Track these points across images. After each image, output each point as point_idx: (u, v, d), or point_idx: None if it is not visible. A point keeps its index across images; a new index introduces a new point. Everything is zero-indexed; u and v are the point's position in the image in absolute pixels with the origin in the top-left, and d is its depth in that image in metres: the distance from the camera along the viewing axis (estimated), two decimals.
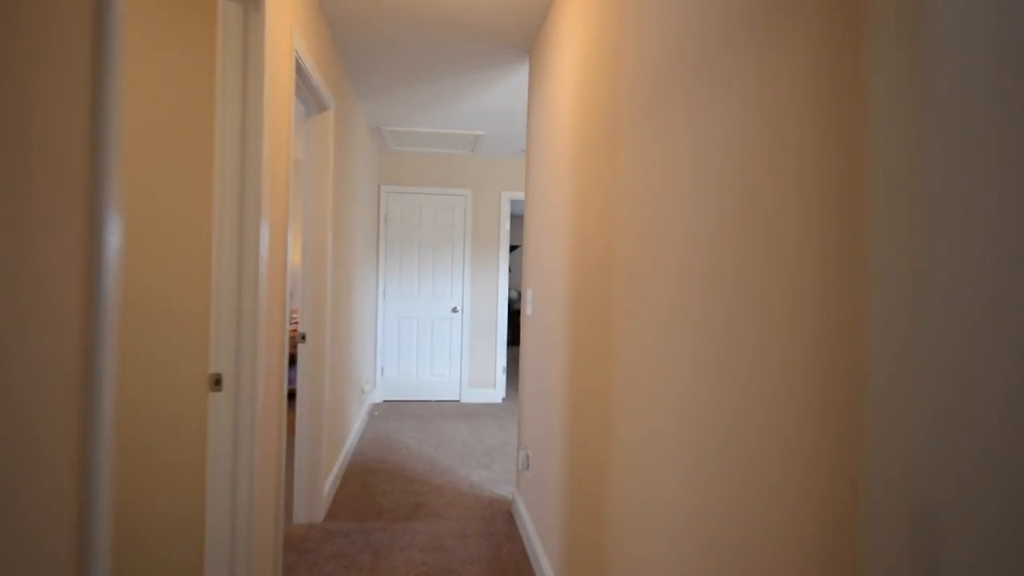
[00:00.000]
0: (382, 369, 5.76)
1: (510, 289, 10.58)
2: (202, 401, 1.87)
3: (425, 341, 5.80)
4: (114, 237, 0.95)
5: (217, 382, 1.73)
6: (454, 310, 5.81)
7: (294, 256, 5.45)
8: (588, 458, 1.82)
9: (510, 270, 10.58)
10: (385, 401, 5.75)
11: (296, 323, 4.75)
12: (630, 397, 1.49)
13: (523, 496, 2.90)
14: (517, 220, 11.30)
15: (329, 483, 3.16)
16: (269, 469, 1.98)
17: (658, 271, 1.35)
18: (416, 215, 5.77)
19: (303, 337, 2.89)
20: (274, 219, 1.96)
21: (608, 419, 1.65)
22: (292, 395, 4.61)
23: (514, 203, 8.44)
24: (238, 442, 1.76)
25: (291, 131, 2.13)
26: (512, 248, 10.82)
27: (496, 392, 5.89)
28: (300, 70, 2.37)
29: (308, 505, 2.90)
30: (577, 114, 2.07)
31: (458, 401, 5.85)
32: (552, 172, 2.45)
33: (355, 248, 4.21)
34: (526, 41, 3.03)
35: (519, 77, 3.58)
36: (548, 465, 2.37)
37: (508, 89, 3.78)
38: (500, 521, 3.03)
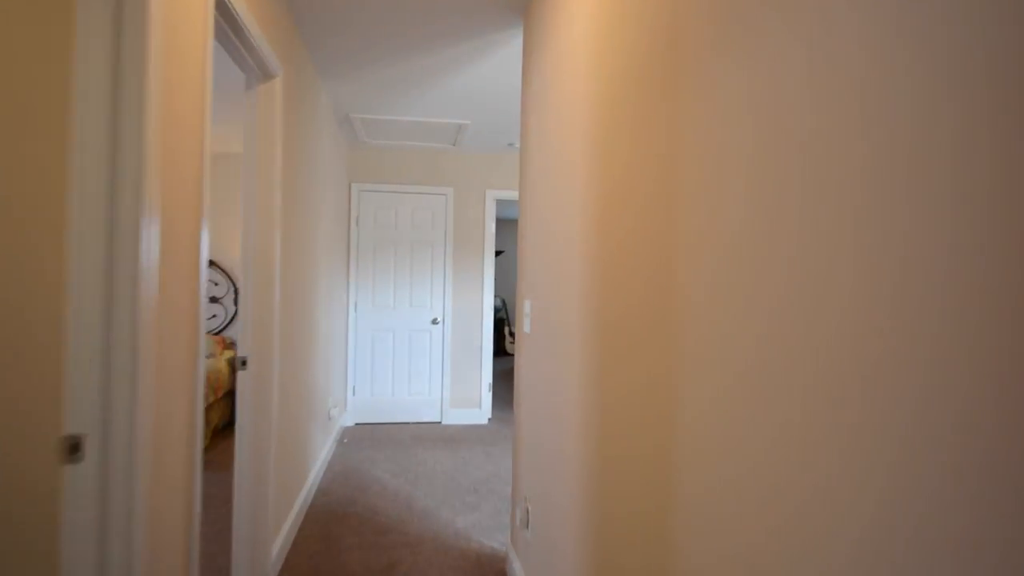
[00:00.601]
0: (354, 389, 5.15)
1: (495, 297, 10.04)
2: (51, 478, 1.28)
3: (402, 357, 5.21)
4: None
5: (75, 448, 1.15)
6: (434, 321, 5.24)
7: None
8: (628, 527, 1.27)
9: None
10: (358, 425, 5.14)
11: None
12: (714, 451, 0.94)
13: (522, 558, 2.33)
14: (502, 224, 10.77)
15: (280, 541, 2.56)
16: (166, 564, 1.39)
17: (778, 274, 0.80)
18: (392, 216, 5.19)
19: (243, 363, 2.31)
20: (174, 215, 1.38)
21: (668, 475, 1.10)
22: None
23: (500, 203, 7.89)
24: (107, 536, 1.17)
25: (207, 96, 1.55)
26: (496, 254, 10.27)
27: (481, 412, 5.31)
28: (230, 19, 1.80)
29: (249, 575, 2.30)
30: (604, 54, 1.52)
31: (439, 423, 5.26)
32: (561, 148, 1.90)
33: (319, 254, 3.62)
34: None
35: (509, 51, 3.04)
36: (559, 531, 1.81)
37: (496, 66, 3.24)
38: None
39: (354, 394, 5.15)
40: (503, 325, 10.35)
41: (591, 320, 1.54)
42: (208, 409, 4.28)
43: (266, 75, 2.32)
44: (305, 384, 3.22)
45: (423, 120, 4.24)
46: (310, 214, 3.27)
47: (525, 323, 2.34)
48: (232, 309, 5.44)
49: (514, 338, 10.61)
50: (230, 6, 1.74)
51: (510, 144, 4.91)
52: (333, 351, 4.38)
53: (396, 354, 5.20)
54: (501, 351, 10.38)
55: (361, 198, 5.15)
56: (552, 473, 1.89)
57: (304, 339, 3.14)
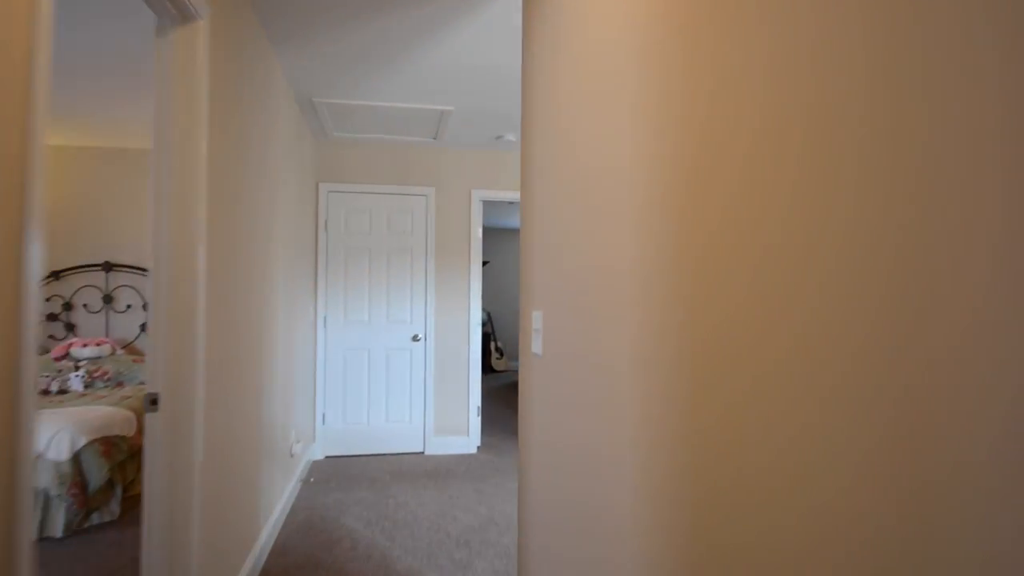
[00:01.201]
0: (323, 417, 4.51)
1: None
2: None
3: (379, 379, 4.59)
4: None
5: None
6: (415, 338, 4.63)
7: None
8: None
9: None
10: (328, 458, 4.50)
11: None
12: None
13: None
14: (488, 232, 10.21)
15: None
16: None
17: None
18: (365, 220, 4.59)
19: (152, 402, 1.69)
20: None
21: None
22: None
23: (488, 205, 7.29)
24: None
25: (41, 50, 0.96)
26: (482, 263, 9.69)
27: (469, 440, 4.70)
28: None
29: None
30: None
31: (422, 453, 4.63)
32: (595, 107, 1.33)
33: (274, 264, 3.01)
34: None
35: (493, 12, 2.49)
36: None
37: (481, 34, 2.68)
38: None
39: (324, 423, 4.51)
40: (489, 340, 9.75)
41: (669, 344, 0.96)
42: (121, 466, 3.55)
43: (183, 15, 1.73)
44: (256, 421, 2.60)
45: (399, 106, 3.67)
46: (259, 215, 2.67)
47: (534, 342, 1.76)
48: None
49: (502, 354, 10.02)
50: None
51: (498, 137, 4.36)
52: (298, 374, 3.75)
53: (372, 376, 4.58)
54: (488, 368, 9.77)
55: (330, 199, 4.55)
56: (591, 558, 1.30)
57: (252, 366, 2.52)
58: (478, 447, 4.80)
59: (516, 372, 9.65)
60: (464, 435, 4.70)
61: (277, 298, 3.06)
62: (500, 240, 10.29)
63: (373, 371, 4.58)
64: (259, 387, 2.67)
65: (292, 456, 3.56)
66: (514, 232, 10.32)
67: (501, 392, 7.65)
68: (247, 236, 2.41)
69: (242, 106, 2.30)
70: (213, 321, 1.95)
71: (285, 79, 3.25)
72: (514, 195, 4.79)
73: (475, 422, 4.71)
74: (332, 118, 3.93)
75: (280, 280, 3.16)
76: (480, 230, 4.78)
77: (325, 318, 4.51)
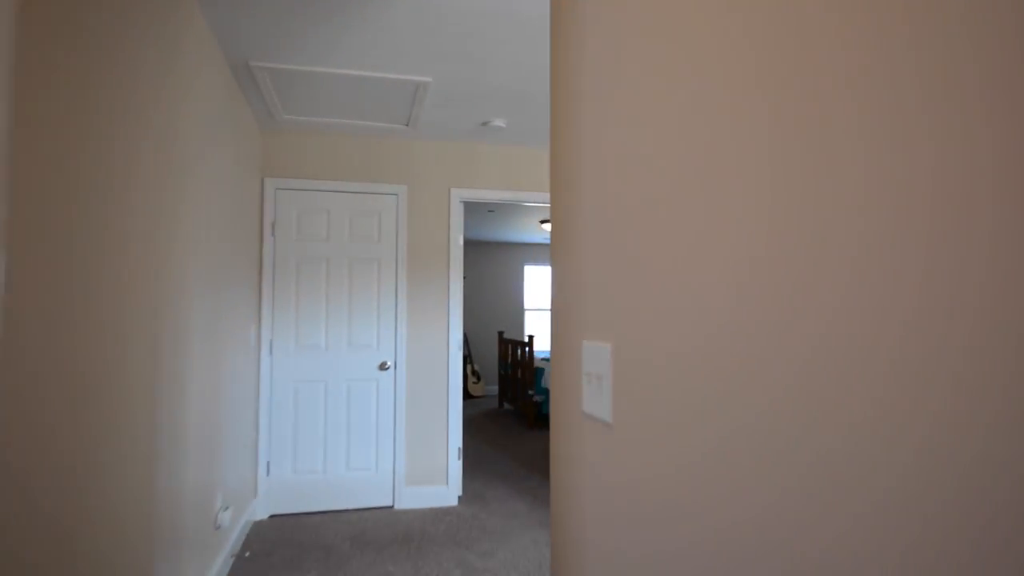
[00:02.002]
0: (267, 466, 3.65)
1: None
2: None
3: (338, 417, 3.75)
4: None
5: None
6: (383, 367, 3.81)
7: None
8: None
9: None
10: (273, 518, 3.63)
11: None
12: None
13: None
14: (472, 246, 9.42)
15: None
16: None
17: None
18: (322, 223, 3.79)
19: None
20: None
21: None
22: None
23: (471, 207, 6.48)
24: None
25: None
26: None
27: (448, 491, 3.88)
28: None
29: None
30: None
31: (391, 508, 3.80)
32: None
33: (183, 279, 2.20)
34: None
35: None
36: None
37: None
38: None
39: (268, 474, 3.64)
40: (465, 363, 8.94)
41: None
42: None
43: None
44: (149, 497, 1.76)
45: (362, 75, 2.90)
46: (160, 217, 1.86)
47: (586, 395, 0.99)
48: None
49: (479, 378, 9.21)
50: None
51: (484, 124, 3.62)
52: (231, 418, 2.91)
53: (329, 414, 3.74)
54: (464, 394, 8.94)
55: (279, 198, 3.73)
56: None
57: (138, 425, 1.69)
58: (459, 497, 3.98)
59: (495, 398, 8.85)
60: (442, 484, 3.88)
61: (189, 325, 2.24)
62: (475, 253, 9.53)
63: (331, 408, 3.74)
64: (153, 452, 1.84)
65: (218, 529, 2.70)
66: (491, 245, 9.57)
67: (481, 422, 6.83)
68: (119, 245, 1.60)
69: (113, 64, 1.51)
70: (35, 374, 1.14)
71: (212, 36, 2.46)
72: (500, 195, 4.04)
73: (455, 467, 3.90)
74: (278, 93, 3.14)
75: (198, 300, 2.34)
76: (461, 236, 4.01)
77: (271, 343, 3.67)
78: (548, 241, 9.36)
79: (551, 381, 1.21)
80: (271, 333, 3.67)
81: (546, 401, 6.61)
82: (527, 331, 9.70)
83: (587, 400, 0.99)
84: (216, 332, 2.64)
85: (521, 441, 5.85)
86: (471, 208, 6.60)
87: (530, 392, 6.53)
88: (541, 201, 4.11)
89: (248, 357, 3.40)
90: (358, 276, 3.82)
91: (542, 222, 7.33)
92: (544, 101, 3.27)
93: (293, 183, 3.74)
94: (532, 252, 9.72)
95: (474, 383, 8.90)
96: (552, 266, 1.21)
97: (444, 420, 3.91)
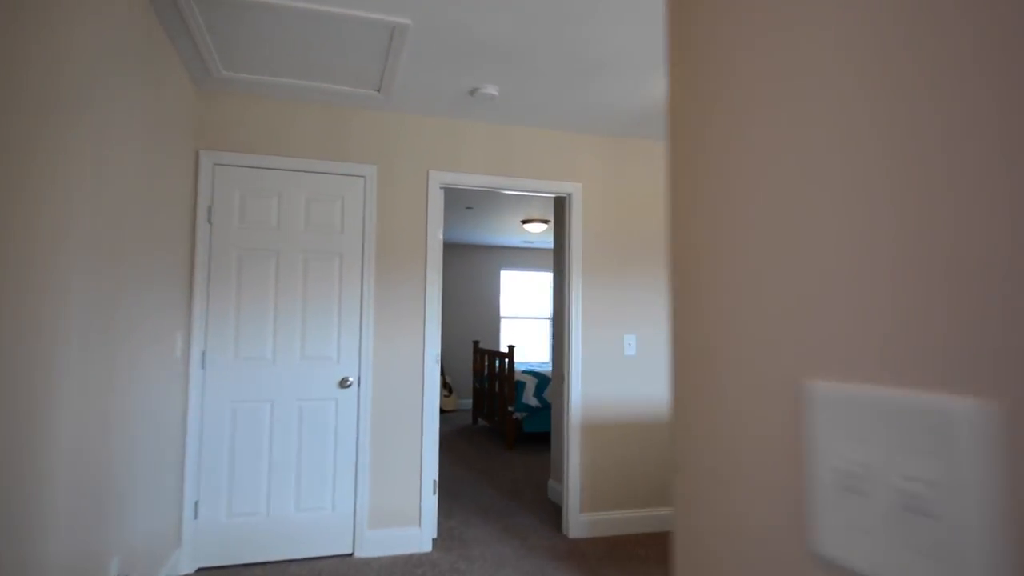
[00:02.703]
0: (196, 507, 2.94)
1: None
2: None
3: (287, 445, 3.06)
4: None
5: None
6: (344, 383, 3.14)
7: None
8: None
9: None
10: (202, 571, 2.91)
11: None
12: None
13: None
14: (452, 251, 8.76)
15: None
16: None
17: None
18: (271, 209, 3.12)
19: None
20: None
21: None
22: None
23: (450, 198, 5.76)
24: None
25: None
26: None
27: (421, 533, 3.22)
28: None
29: None
30: None
31: (350, 556, 3.12)
32: None
33: (59, 275, 1.52)
34: None
35: None
36: None
37: None
38: None
39: (196, 516, 2.93)
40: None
41: None
42: None
43: None
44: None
45: (324, 9, 2.25)
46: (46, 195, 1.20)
47: (824, 517, 0.39)
48: None
49: (450, 391, 8.53)
50: None
51: (473, 91, 3.01)
52: (141, 451, 2.21)
53: (277, 441, 3.05)
54: None
55: (218, 176, 3.05)
56: None
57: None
58: (434, 541, 3.33)
59: (468, 413, 8.18)
60: (413, 525, 3.22)
61: (56, 338, 1.56)
62: (448, 256, 8.88)
63: (278, 434, 3.05)
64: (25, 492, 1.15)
65: None
66: (466, 247, 8.94)
67: (454, 441, 6.16)
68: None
69: None
70: None
71: None
72: (488, 180, 3.43)
73: (430, 504, 3.24)
74: (214, 36, 2.47)
75: (79, 306, 1.66)
76: (441, 229, 3.38)
77: (203, 355, 2.97)
78: (528, 244, 8.78)
79: (679, 458, 0.59)
80: (204, 342, 2.97)
81: (528, 419, 5.99)
82: (503, 340, 9.08)
83: (832, 532, 0.37)
84: (114, 344, 1.95)
85: (501, 464, 5.21)
86: (447, 202, 5.97)
87: (510, 409, 5.90)
88: (534, 190, 3.51)
89: (172, 372, 2.70)
90: (315, 274, 3.15)
91: (524, 222, 6.73)
92: (548, 62, 2.68)
93: (236, 158, 3.06)
94: (510, 256, 9.12)
95: (445, 396, 8.22)
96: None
97: (417, 448, 3.25)
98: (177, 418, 2.81)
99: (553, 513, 3.87)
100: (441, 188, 3.39)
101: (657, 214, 3.72)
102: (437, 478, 3.31)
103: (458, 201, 5.87)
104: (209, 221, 3.01)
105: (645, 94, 3.02)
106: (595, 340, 3.54)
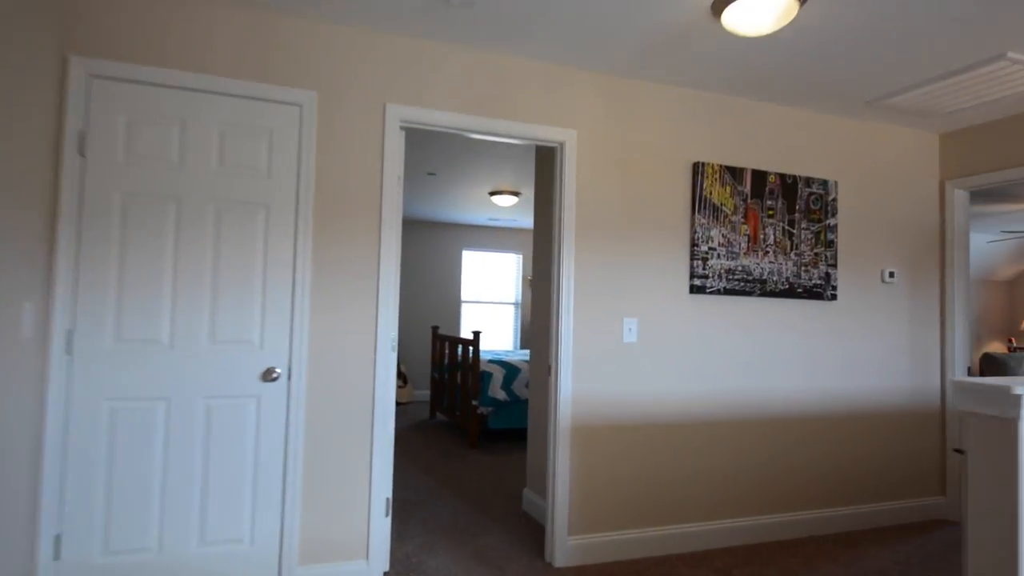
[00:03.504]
0: (57, 543, 2.14)
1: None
2: None
3: (188, 457, 2.30)
4: None
5: None
6: (271, 376, 2.39)
7: None
8: None
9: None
10: None
11: None
12: None
13: None
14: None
15: None
16: None
17: None
18: (172, 142, 2.32)
19: None
20: None
21: None
22: None
23: (412, 156, 4.71)
24: None
25: None
26: None
27: (369, 568, 2.51)
28: None
29: None
30: None
31: None
32: None
33: None
34: None
35: None
36: None
37: None
38: None
39: (57, 556, 2.14)
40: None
41: None
42: None
43: None
44: None
45: None
46: None
47: None
48: None
49: (405, 381, 7.76)
50: None
51: None
52: None
53: (173, 453, 2.28)
54: None
55: (96, 93, 2.23)
56: None
57: None
58: (385, 575, 2.63)
59: (425, 405, 7.45)
60: (360, 557, 2.51)
61: None
62: (404, 233, 8.11)
63: (177, 443, 2.28)
64: None
65: None
66: (423, 224, 8.18)
67: (409, 439, 5.44)
68: None
69: None
70: None
71: None
72: (463, 120, 2.72)
73: (381, 529, 2.54)
74: None
75: None
76: (400, 183, 2.66)
77: (70, 335, 2.17)
78: (494, 223, 8.07)
79: None
80: (70, 318, 2.17)
81: (494, 414, 5.32)
82: (464, 326, 8.37)
83: None
84: None
85: (465, 467, 4.53)
86: (405, 168, 5.19)
87: (474, 403, 5.21)
88: (520, 136, 2.81)
89: (15, 358, 1.90)
90: (232, 230, 2.38)
91: (492, 194, 6.02)
92: None
93: (123, 69, 2.24)
94: (473, 235, 8.40)
95: (400, 387, 7.48)
96: None
97: (366, 458, 2.54)
98: (26, 423, 2.01)
99: (532, 531, 3.22)
100: (402, 127, 2.65)
101: (668, 172, 3.08)
102: (391, 496, 2.60)
103: (419, 165, 5.12)
104: (81, 154, 2.19)
105: (657, 11, 2.35)
106: (589, 325, 2.89)
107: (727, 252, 3.14)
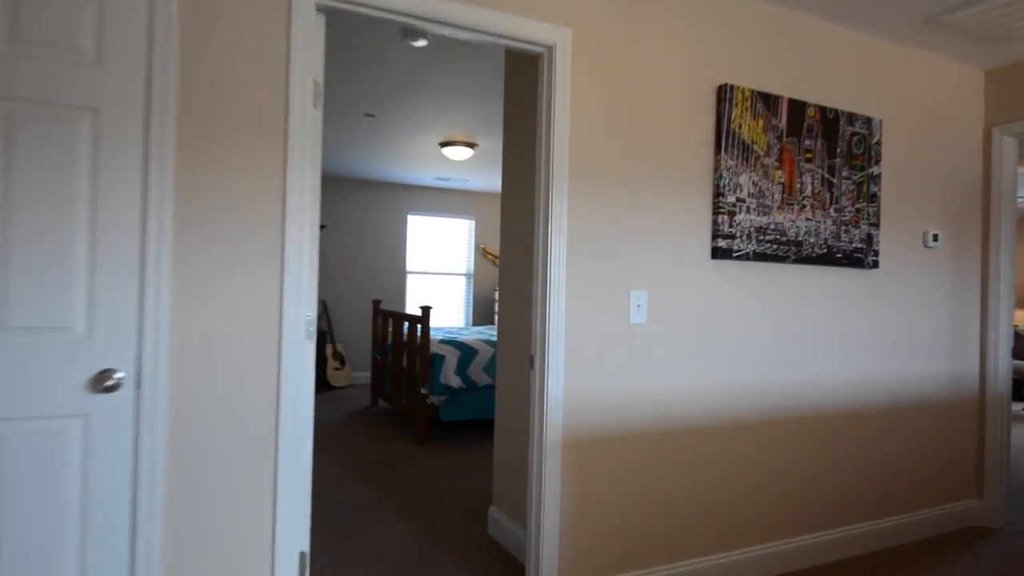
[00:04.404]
0: None
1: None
2: None
3: None
4: None
5: None
6: (106, 383, 1.51)
7: None
8: None
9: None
10: None
11: None
12: None
13: None
14: (331, 184, 6.98)
15: None
16: None
17: None
18: None
19: None
20: None
21: None
22: None
23: (343, 91, 3.20)
24: None
25: None
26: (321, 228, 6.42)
27: None
28: None
29: None
30: None
31: None
32: None
33: None
34: None
35: None
36: None
37: None
38: None
39: None
40: (323, 342, 6.60)
41: None
42: None
43: None
44: None
45: None
46: None
47: None
48: None
49: (343, 363, 6.85)
50: None
51: None
52: None
53: None
54: (322, 384, 6.62)
55: None
56: None
57: None
58: None
59: (366, 389, 6.58)
60: None
61: None
62: (338, 193, 7.13)
63: None
64: None
65: None
66: (361, 184, 7.21)
67: (344, 432, 4.58)
68: None
69: None
70: None
71: None
72: (417, 2, 1.85)
73: None
74: None
75: None
76: (318, 92, 1.79)
77: None
78: (443, 183, 7.17)
79: None
80: None
81: (447, 404, 4.52)
82: (410, 300, 7.50)
83: None
84: None
85: (413, 470, 3.74)
86: (335, 107, 4.23)
87: (423, 391, 4.40)
88: (495, 33, 1.97)
89: None
90: (33, 148, 1.46)
91: (443, 144, 5.13)
92: None
93: None
94: (420, 197, 7.48)
95: (336, 369, 6.58)
96: None
97: (268, 498, 1.71)
98: None
99: (505, 568, 2.48)
100: (319, 8, 1.77)
101: (689, 97, 2.31)
102: (308, 549, 1.78)
103: (354, 103, 4.18)
104: None
105: None
106: (586, 301, 2.13)
107: (758, 205, 2.42)
